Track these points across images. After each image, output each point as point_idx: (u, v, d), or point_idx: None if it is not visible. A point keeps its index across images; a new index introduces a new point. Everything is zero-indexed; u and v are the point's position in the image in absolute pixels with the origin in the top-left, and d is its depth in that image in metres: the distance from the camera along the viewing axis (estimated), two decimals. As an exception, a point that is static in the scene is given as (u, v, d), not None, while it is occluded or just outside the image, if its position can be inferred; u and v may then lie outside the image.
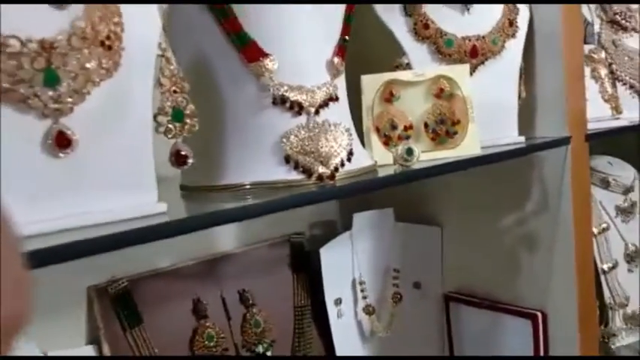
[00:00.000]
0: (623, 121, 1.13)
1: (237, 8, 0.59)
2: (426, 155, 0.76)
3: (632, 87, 1.18)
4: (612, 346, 1.32)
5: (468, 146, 0.77)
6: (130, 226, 0.46)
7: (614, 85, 1.14)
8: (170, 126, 0.52)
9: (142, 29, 0.50)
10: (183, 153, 0.52)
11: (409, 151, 0.70)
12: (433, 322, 1.13)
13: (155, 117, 0.51)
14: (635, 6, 1.19)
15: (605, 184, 1.34)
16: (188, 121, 0.52)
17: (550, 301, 0.96)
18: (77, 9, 0.46)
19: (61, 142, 0.45)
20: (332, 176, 0.63)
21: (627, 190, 1.35)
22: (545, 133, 0.93)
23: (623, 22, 1.18)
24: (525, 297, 0.99)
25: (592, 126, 1.03)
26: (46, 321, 0.80)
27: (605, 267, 1.31)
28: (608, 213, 1.34)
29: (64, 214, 0.45)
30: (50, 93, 0.44)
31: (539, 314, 0.96)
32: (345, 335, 1.08)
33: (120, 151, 0.48)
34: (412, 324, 1.11)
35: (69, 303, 0.85)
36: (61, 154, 0.45)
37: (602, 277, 1.31)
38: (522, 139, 0.90)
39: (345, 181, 0.63)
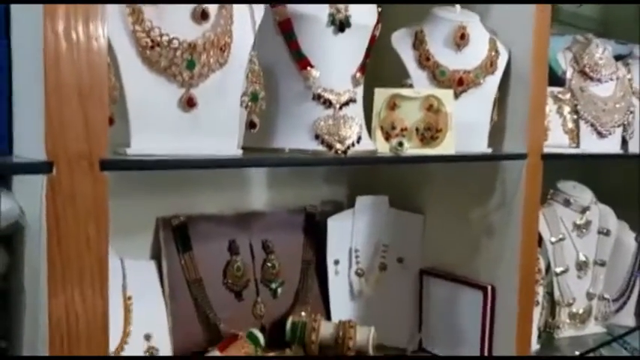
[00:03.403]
0: (579, 150, 1.42)
1: (299, 36, 0.90)
2: (413, 150, 1.06)
3: (592, 125, 1.47)
4: (555, 337, 1.60)
5: (445, 147, 1.07)
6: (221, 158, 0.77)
7: (576, 122, 1.43)
8: (249, 103, 0.83)
9: (242, 42, 0.81)
10: (255, 122, 0.83)
11: (400, 144, 1.00)
12: (409, 290, 1.40)
13: (241, 96, 0.82)
14: (601, 61, 1.48)
15: (567, 203, 1.63)
16: (260, 102, 0.84)
17: (498, 278, 1.25)
18: (208, 25, 0.77)
19: (190, 103, 0.76)
20: (345, 151, 0.93)
21: (584, 210, 1.63)
22: (509, 149, 1.22)
23: (591, 73, 1.48)
24: (481, 273, 1.27)
25: (551, 150, 1.32)
26: (125, 237, 1.09)
27: (558, 270, 1.60)
28: (566, 227, 1.62)
29: (186, 146, 0.76)
30: (188, 73, 0.75)
31: (490, 287, 1.25)
32: (339, 289, 1.36)
33: (221, 113, 0.79)
34: (392, 289, 1.39)
35: (143, 227, 1.15)
36: (188, 110, 0.76)
37: (555, 279, 1.60)
38: (489, 150, 1.19)
39: (353, 155, 0.94)
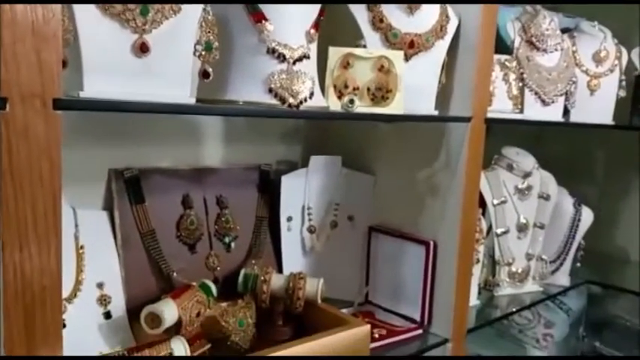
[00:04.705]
0: (522, 116, 1.49)
1: (254, -12, 0.92)
2: (364, 109, 1.10)
3: (536, 93, 1.54)
4: (495, 294, 1.70)
5: (394, 107, 1.11)
6: (174, 105, 0.79)
7: (520, 89, 1.50)
8: (203, 53, 0.85)
9: (197, -9, 0.83)
10: (208, 71, 0.85)
11: (351, 101, 1.04)
12: (358, 246, 1.46)
13: (195, 45, 0.84)
14: (547, 32, 1.54)
15: (510, 168, 1.71)
16: (214, 52, 0.85)
17: (440, 234, 1.32)
18: (162, -28, 0.78)
19: (143, 48, 0.77)
20: (297, 106, 0.96)
21: (526, 175, 1.72)
22: (455, 112, 1.28)
23: (537, 43, 1.54)
24: (424, 229, 1.34)
25: (495, 115, 1.38)
26: (78, 187, 1.10)
27: (499, 231, 1.69)
28: (508, 191, 1.71)
29: (139, 92, 0.78)
30: (142, 19, 0.77)
31: (432, 242, 1.32)
32: (291, 245, 1.41)
33: (174, 60, 0.81)
34: (342, 245, 1.45)
35: (95, 178, 1.16)
36: (141, 56, 0.78)
37: (495, 239, 1.69)
38: (436, 112, 1.25)
39: (305, 109, 0.97)
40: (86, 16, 0.73)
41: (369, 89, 1.12)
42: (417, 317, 1.35)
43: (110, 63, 0.76)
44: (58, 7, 0.64)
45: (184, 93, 0.83)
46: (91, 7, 0.73)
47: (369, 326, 1.15)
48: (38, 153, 0.65)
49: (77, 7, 0.73)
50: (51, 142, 0.65)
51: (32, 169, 0.65)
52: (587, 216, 1.86)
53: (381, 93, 1.12)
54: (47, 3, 0.63)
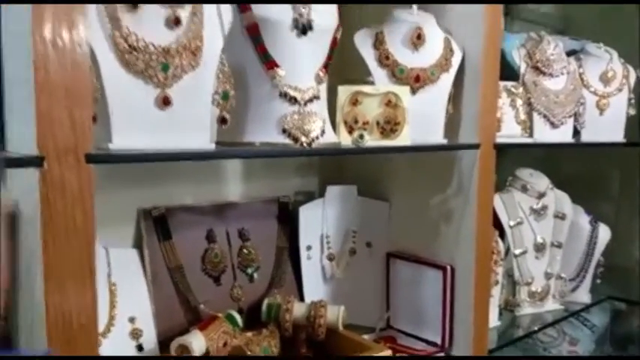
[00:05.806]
0: (531, 139, 1.53)
1: (265, 39, 0.99)
2: (374, 142, 1.16)
3: (545, 117, 1.58)
4: (516, 314, 1.72)
5: (402, 139, 1.16)
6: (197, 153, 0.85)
7: (528, 114, 1.54)
8: (220, 101, 0.92)
9: (213, 45, 0.90)
10: (226, 117, 0.92)
11: (361, 136, 1.09)
12: (377, 272, 1.51)
13: (213, 95, 0.91)
14: (553, 56, 1.59)
15: (524, 189, 1.74)
16: (231, 100, 0.92)
17: (457, 259, 1.35)
18: (180, 30, 0.85)
19: (165, 101, 0.84)
20: (310, 144, 1.02)
21: (541, 196, 1.75)
22: (464, 140, 1.32)
23: (543, 68, 1.59)
24: (441, 255, 1.38)
25: (504, 140, 1.42)
26: (109, 228, 1.17)
27: (517, 252, 1.71)
28: (524, 211, 1.74)
29: (163, 141, 0.85)
30: (163, 75, 0.84)
31: (449, 267, 1.35)
32: (312, 273, 1.46)
33: (194, 111, 0.88)
34: (362, 272, 1.50)
35: (125, 218, 1.23)
36: (164, 108, 0.85)
37: (514, 260, 1.71)
38: (445, 141, 1.29)
39: (318, 147, 1.03)
40: (112, 74, 0.80)
41: (378, 123, 1.18)
42: (439, 341, 1.38)
43: (136, 116, 0.83)
44: (87, 71, 0.71)
45: (205, 139, 0.90)
46: (116, 65, 0.81)
47: (390, 352, 1.19)
48: (73, 204, 0.71)
49: (103, 67, 0.80)
50: (84, 193, 0.72)
51: (67, 219, 0.71)
52: (605, 233, 1.87)
53: (389, 126, 1.18)
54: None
